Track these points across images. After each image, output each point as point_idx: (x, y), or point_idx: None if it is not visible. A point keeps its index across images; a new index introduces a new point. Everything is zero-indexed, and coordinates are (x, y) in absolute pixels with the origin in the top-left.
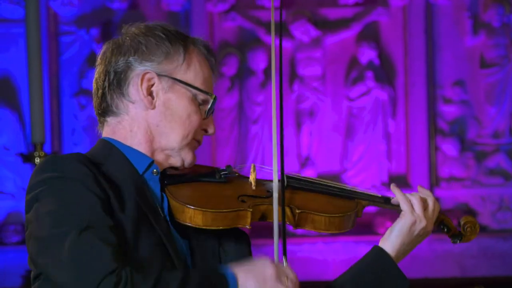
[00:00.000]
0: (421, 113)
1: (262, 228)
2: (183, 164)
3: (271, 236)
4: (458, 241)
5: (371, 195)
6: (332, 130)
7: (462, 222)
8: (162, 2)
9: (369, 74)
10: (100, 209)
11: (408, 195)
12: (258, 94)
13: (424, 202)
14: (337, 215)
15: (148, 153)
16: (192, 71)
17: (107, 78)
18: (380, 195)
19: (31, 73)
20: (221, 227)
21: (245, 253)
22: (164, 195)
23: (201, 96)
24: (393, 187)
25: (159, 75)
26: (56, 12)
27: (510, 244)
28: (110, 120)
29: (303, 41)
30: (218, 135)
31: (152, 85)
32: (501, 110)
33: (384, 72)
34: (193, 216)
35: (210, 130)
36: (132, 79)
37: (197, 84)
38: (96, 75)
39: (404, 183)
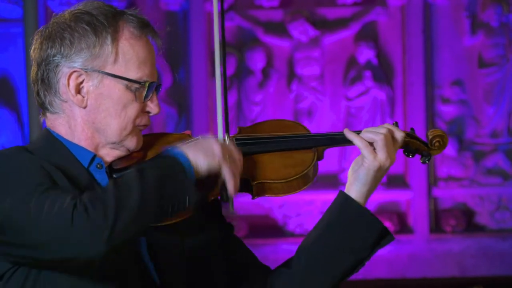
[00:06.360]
0: (420, 113)
1: (263, 228)
2: (129, 151)
3: (271, 236)
4: (427, 161)
5: (328, 138)
6: (330, 129)
7: (430, 137)
8: (161, 2)
9: (368, 73)
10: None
11: (368, 133)
12: (257, 94)
13: (386, 138)
14: (294, 177)
15: (91, 149)
16: (122, 61)
17: (39, 72)
18: (335, 133)
19: (30, 73)
20: (172, 221)
21: (213, 242)
22: None
23: (135, 85)
24: (346, 132)
25: (87, 71)
26: (54, 12)
27: (509, 244)
28: (49, 116)
29: (302, 40)
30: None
31: (81, 82)
32: (500, 110)
33: (383, 72)
34: None
35: (154, 111)
36: (61, 79)
37: (130, 72)
38: (32, 67)
39: (402, 183)
